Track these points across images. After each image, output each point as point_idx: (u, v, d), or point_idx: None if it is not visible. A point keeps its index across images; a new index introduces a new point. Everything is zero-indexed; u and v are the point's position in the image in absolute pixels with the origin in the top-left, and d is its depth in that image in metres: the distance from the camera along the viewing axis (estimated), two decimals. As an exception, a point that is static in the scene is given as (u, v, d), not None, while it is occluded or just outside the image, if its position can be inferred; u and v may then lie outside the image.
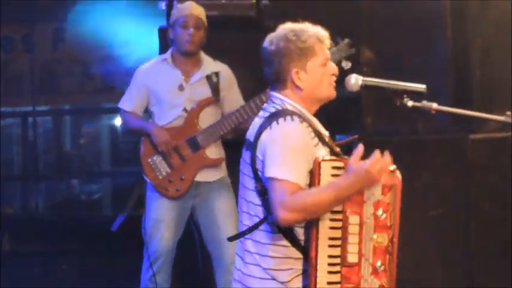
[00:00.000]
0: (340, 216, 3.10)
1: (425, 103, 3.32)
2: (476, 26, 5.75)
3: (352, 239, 3.10)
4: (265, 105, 3.34)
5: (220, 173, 5.32)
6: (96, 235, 7.16)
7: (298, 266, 3.18)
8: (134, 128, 5.38)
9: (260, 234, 3.20)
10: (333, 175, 3.09)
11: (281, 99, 3.26)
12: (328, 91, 3.28)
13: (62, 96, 9.14)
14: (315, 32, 3.26)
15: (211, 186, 5.29)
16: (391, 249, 3.15)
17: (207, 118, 5.24)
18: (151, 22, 6.74)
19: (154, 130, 5.21)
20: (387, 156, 3.07)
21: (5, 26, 8.44)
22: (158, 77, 5.28)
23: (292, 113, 3.17)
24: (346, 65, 4.78)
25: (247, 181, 3.25)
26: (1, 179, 8.52)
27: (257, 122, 3.28)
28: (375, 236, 3.13)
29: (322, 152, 3.17)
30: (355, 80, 3.32)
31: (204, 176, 5.26)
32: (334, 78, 3.30)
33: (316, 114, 3.30)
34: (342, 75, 3.34)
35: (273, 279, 3.18)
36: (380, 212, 3.12)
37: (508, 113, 3.31)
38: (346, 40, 4.98)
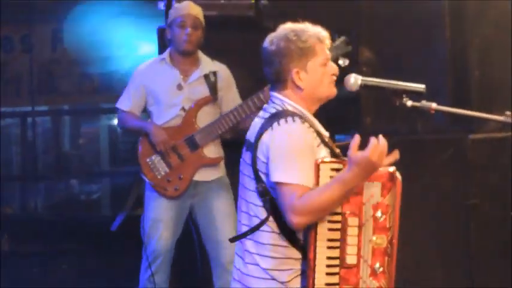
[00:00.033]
0: (339, 218, 3.10)
1: (424, 103, 3.32)
2: (475, 26, 5.76)
3: (351, 240, 3.10)
4: (265, 105, 3.34)
5: (219, 172, 5.32)
6: (95, 235, 7.15)
7: (298, 266, 3.18)
8: (132, 127, 5.38)
9: (260, 235, 3.20)
10: (332, 177, 3.08)
11: (281, 99, 3.26)
12: (328, 90, 3.28)
13: (61, 96, 9.14)
14: (315, 32, 3.26)
15: (210, 185, 5.29)
16: (390, 250, 3.15)
17: (205, 117, 5.24)
18: (150, 22, 6.74)
19: (152, 129, 5.21)
20: (382, 140, 3.05)
21: (5, 26, 8.44)
22: (156, 77, 5.28)
23: (293, 114, 3.17)
24: (344, 62, 4.78)
25: (248, 182, 3.25)
26: (0, 179, 8.53)
27: (257, 122, 3.28)
28: (373, 238, 3.12)
29: (323, 153, 3.17)
30: (354, 80, 3.32)
31: (203, 175, 5.26)
32: (335, 78, 3.30)
33: (316, 114, 3.30)
34: (340, 72, 3.34)
35: (273, 279, 3.18)
36: (379, 213, 3.12)
37: (507, 112, 3.30)
38: (343, 37, 4.99)
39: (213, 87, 5.28)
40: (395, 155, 3.09)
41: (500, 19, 5.69)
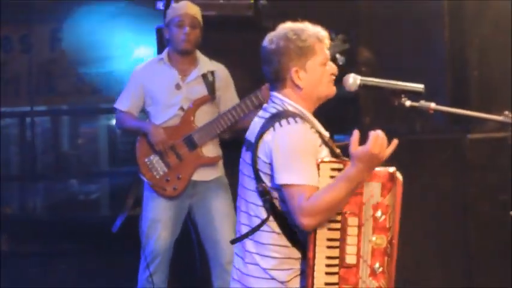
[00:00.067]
0: (338, 218, 3.10)
1: (423, 103, 3.32)
2: (473, 26, 5.76)
3: (351, 240, 3.10)
4: (264, 105, 3.34)
5: (217, 172, 5.32)
6: (94, 235, 7.15)
7: (298, 266, 3.19)
8: (130, 127, 5.38)
9: (260, 235, 3.20)
10: (332, 176, 3.09)
11: (281, 99, 3.26)
12: (327, 90, 3.29)
13: (60, 96, 9.12)
14: (315, 31, 3.26)
15: (209, 185, 5.29)
16: (389, 251, 3.15)
17: (204, 117, 5.25)
18: (148, 22, 6.73)
19: (151, 129, 5.21)
20: (381, 132, 3.06)
21: (4, 26, 8.43)
22: (155, 77, 5.29)
23: (294, 115, 3.17)
24: (340, 59, 4.78)
25: (248, 182, 3.25)
26: (0, 179, 8.52)
27: (257, 122, 3.28)
28: (373, 238, 3.12)
29: (324, 153, 3.17)
30: (353, 80, 3.32)
31: (201, 175, 5.26)
32: (334, 78, 3.30)
33: (315, 114, 3.30)
34: (339, 72, 3.34)
35: (273, 279, 3.19)
36: (379, 213, 3.12)
37: (506, 112, 3.31)
38: (340, 35, 4.99)
39: (211, 87, 5.28)
40: (395, 143, 3.09)
41: (499, 19, 5.69)
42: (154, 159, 5.24)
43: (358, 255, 3.11)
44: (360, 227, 3.11)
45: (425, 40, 5.76)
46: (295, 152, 3.10)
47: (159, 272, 5.26)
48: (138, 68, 5.42)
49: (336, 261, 3.10)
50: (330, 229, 3.09)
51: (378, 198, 3.12)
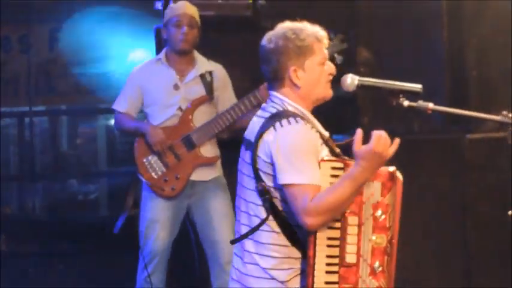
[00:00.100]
0: (339, 217, 3.10)
1: (421, 103, 3.32)
2: (472, 26, 5.76)
3: (351, 239, 3.10)
4: (263, 104, 3.34)
5: (215, 172, 5.32)
6: (93, 235, 7.16)
7: (298, 265, 3.19)
8: (129, 128, 5.38)
9: (260, 234, 3.20)
10: (332, 175, 3.09)
11: (281, 98, 3.26)
12: (324, 91, 3.29)
13: (59, 96, 9.13)
14: (313, 31, 3.27)
15: (207, 185, 5.29)
16: (389, 250, 3.15)
17: (202, 117, 5.25)
18: (147, 22, 6.74)
19: (149, 130, 5.21)
20: (383, 132, 3.07)
21: (3, 26, 8.43)
22: (153, 77, 5.29)
23: (294, 115, 3.18)
24: (338, 59, 4.79)
25: (247, 181, 3.25)
26: (0, 179, 8.54)
27: (256, 121, 3.28)
28: (373, 237, 3.12)
29: (325, 153, 3.17)
30: (351, 80, 3.32)
31: (200, 175, 5.26)
32: (332, 77, 3.30)
33: (313, 114, 3.30)
34: (337, 72, 3.34)
35: (273, 278, 3.19)
36: (379, 213, 3.12)
37: (505, 112, 3.30)
38: (339, 35, 4.99)
39: (209, 87, 5.28)
40: (397, 142, 3.10)
41: (498, 19, 5.69)
42: (153, 159, 5.24)
43: (358, 254, 3.11)
44: (360, 226, 3.11)
45: (424, 40, 5.76)
46: (297, 152, 3.10)
47: (158, 272, 5.26)
48: (136, 69, 5.42)
49: (336, 260, 3.10)
50: (330, 228, 3.09)
51: (378, 197, 3.12)
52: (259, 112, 3.32)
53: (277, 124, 3.15)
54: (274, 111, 3.23)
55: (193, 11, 5.27)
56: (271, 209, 3.16)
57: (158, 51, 5.59)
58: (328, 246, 3.09)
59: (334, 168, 3.11)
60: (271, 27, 3.33)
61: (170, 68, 5.28)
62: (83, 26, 8.37)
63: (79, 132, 10.24)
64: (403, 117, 5.53)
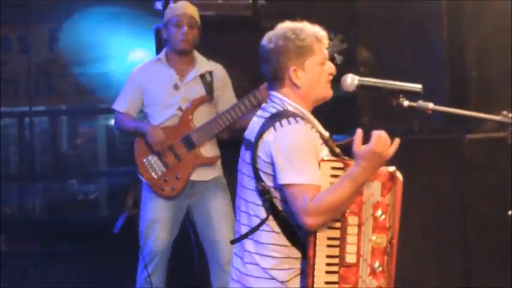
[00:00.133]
0: (338, 217, 3.10)
1: (421, 103, 3.32)
2: (472, 26, 5.76)
3: (351, 239, 3.10)
4: (263, 104, 3.34)
5: (215, 172, 5.32)
6: (93, 235, 7.16)
7: (298, 265, 3.19)
8: (129, 128, 5.37)
9: (260, 234, 3.20)
10: (332, 175, 3.09)
11: (281, 98, 3.26)
12: (324, 92, 3.29)
13: (59, 96, 9.13)
14: (313, 31, 3.27)
15: (207, 185, 5.29)
16: (389, 250, 3.15)
17: (202, 117, 5.25)
18: (147, 22, 6.74)
19: (149, 130, 5.21)
20: (383, 132, 3.07)
21: (3, 27, 8.43)
22: (152, 77, 5.29)
23: (294, 115, 3.18)
24: (338, 59, 4.79)
25: (247, 181, 3.25)
26: (0, 179, 8.54)
27: (256, 121, 3.28)
28: (373, 237, 3.12)
29: (325, 153, 3.17)
30: (351, 80, 3.32)
31: (200, 175, 5.26)
32: (331, 77, 3.30)
33: (313, 114, 3.30)
34: (337, 72, 3.34)
35: (273, 278, 3.18)
36: (379, 213, 3.12)
37: (505, 112, 3.30)
38: (339, 35, 4.99)
39: (209, 87, 5.28)
40: (397, 143, 3.10)
41: (498, 19, 5.69)
42: (153, 159, 5.24)
43: (358, 254, 3.11)
44: (360, 226, 3.11)
45: (424, 40, 5.75)
46: (297, 152, 3.10)
47: (158, 272, 5.26)
48: (135, 69, 5.42)
49: (336, 260, 3.10)
50: (330, 228, 3.09)
51: (378, 197, 3.12)
52: (259, 112, 3.32)
53: (277, 124, 3.15)
54: (274, 111, 3.23)
55: (193, 11, 5.27)
56: (271, 209, 3.16)
57: (158, 51, 5.59)
58: (328, 246, 3.09)
59: (334, 168, 3.11)
60: (271, 27, 3.33)
61: (170, 68, 5.28)
62: (83, 26, 8.38)
63: (79, 132, 10.25)
64: (403, 117, 5.53)
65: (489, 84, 5.73)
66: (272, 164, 3.14)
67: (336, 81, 3.33)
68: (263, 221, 3.17)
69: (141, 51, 8.17)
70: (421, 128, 5.76)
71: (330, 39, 4.71)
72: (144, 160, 5.24)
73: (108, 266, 6.96)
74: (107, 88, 8.32)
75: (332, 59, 4.54)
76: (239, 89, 5.38)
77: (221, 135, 5.33)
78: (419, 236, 5.46)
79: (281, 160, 3.11)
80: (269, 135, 3.15)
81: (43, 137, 9.73)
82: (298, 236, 3.17)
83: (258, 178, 3.18)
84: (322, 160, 3.11)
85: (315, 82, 3.25)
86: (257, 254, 3.21)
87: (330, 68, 3.30)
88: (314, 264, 3.08)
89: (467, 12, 5.76)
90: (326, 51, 3.29)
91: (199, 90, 5.27)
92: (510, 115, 3.29)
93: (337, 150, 3.26)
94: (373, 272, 3.13)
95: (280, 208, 3.17)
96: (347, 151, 3.18)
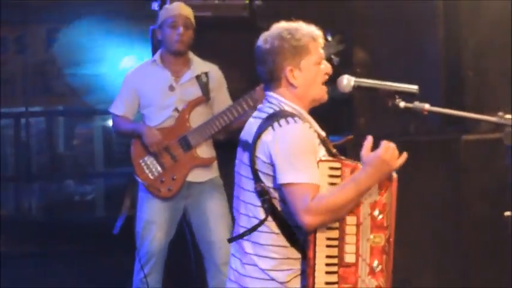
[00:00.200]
0: (337, 220, 3.10)
1: (417, 104, 3.32)
2: (468, 27, 5.77)
3: (349, 239, 3.11)
4: (259, 105, 3.34)
5: (212, 173, 5.32)
6: (90, 236, 7.15)
7: (297, 266, 3.19)
8: (126, 130, 5.38)
9: (259, 235, 3.20)
10: (330, 175, 3.10)
11: (277, 99, 3.26)
12: (320, 93, 3.29)
13: (55, 97, 9.12)
14: (309, 31, 3.27)
15: (203, 187, 5.29)
16: (387, 249, 3.16)
17: (198, 118, 5.25)
18: (144, 23, 6.73)
19: (145, 131, 5.21)
20: (392, 143, 3.08)
21: (2, 27, 8.42)
22: (148, 79, 5.29)
23: (292, 115, 3.18)
24: (335, 60, 4.80)
25: (245, 182, 3.25)
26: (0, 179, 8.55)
27: (253, 122, 3.28)
28: (371, 236, 3.13)
29: (322, 152, 3.18)
30: (347, 81, 3.32)
31: (196, 176, 5.26)
32: (327, 77, 3.30)
33: (310, 114, 3.30)
34: (333, 73, 3.34)
35: (272, 279, 3.19)
36: (377, 212, 3.13)
37: (500, 113, 3.31)
38: (336, 36, 4.99)
39: (205, 88, 5.28)
40: (405, 156, 3.12)
41: (494, 20, 5.69)
42: (149, 160, 5.24)
43: (357, 254, 3.12)
44: (358, 225, 3.12)
45: (420, 41, 5.76)
46: (297, 152, 3.10)
47: (154, 273, 5.26)
48: (130, 71, 5.43)
49: (336, 261, 3.11)
50: (329, 228, 3.10)
51: (375, 196, 3.13)
52: (256, 113, 3.32)
53: (276, 124, 3.15)
54: (271, 111, 3.23)
55: (188, 11, 5.27)
56: (270, 209, 3.17)
57: (154, 52, 5.58)
58: (328, 246, 3.10)
59: (332, 168, 3.12)
60: (268, 28, 3.33)
61: (165, 69, 5.28)
62: (80, 26, 8.37)
63: (76, 133, 10.23)
64: (399, 118, 5.53)
65: (485, 85, 5.74)
66: (271, 164, 3.14)
67: (332, 82, 3.33)
68: (262, 222, 3.17)
69: (137, 53, 8.16)
70: (417, 129, 5.76)
71: (327, 40, 4.72)
72: (141, 161, 5.24)
73: (104, 267, 6.95)
74: (104, 89, 8.30)
75: (329, 60, 4.55)
76: (236, 90, 5.38)
77: (217, 136, 5.33)
78: (415, 236, 5.46)
79: (280, 160, 3.11)
80: (268, 136, 3.15)
81: (40, 138, 9.71)
82: (298, 236, 3.17)
83: (256, 179, 3.19)
84: (320, 160, 3.12)
85: (311, 82, 3.26)
86: (256, 255, 3.21)
87: (326, 67, 3.30)
88: (314, 265, 3.08)
89: (464, 13, 5.76)
90: (322, 51, 3.29)
91: (195, 91, 5.27)
92: (506, 116, 3.29)
93: (334, 150, 3.26)
94: (372, 272, 3.14)
95: (279, 209, 3.17)
96: (343, 151, 3.18)
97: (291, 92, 3.25)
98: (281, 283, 3.19)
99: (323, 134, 3.28)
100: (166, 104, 5.24)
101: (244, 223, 3.26)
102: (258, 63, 3.30)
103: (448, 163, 5.69)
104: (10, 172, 9.46)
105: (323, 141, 3.22)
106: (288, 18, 3.34)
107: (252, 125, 3.28)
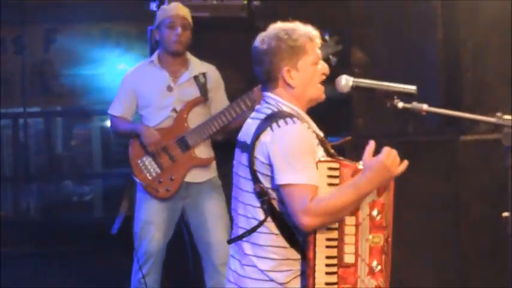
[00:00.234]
0: (335, 223, 3.10)
1: (415, 104, 3.32)
2: (467, 27, 5.77)
3: (348, 239, 3.12)
4: (257, 106, 3.34)
5: (210, 173, 5.32)
6: (88, 236, 7.14)
7: (297, 266, 3.19)
8: (124, 131, 5.37)
9: (258, 236, 3.20)
10: (329, 176, 3.10)
11: (275, 99, 3.26)
12: (318, 92, 3.29)
13: (53, 97, 9.11)
14: (306, 31, 3.27)
15: (202, 187, 5.28)
16: (386, 249, 3.16)
17: (196, 118, 5.25)
18: (142, 23, 6.73)
19: (144, 130, 5.21)
20: (394, 151, 3.08)
21: (1, 27, 8.41)
22: (145, 80, 5.28)
23: (290, 115, 3.18)
24: (333, 61, 4.80)
25: (244, 183, 3.24)
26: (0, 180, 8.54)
27: (251, 123, 3.28)
28: (370, 237, 3.14)
29: (321, 153, 3.18)
30: (345, 82, 3.32)
31: (194, 176, 5.26)
32: (325, 77, 3.30)
33: (308, 114, 3.30)
34: (332, 73, 3.34)
35: (272, 280, 3.19)
36: (375, 212, 3.13)
37: (499, 114, 3.31)
38: (334, 37, 5.00)
39: (203, 88, 5.29)
40: (406, 163, 3.12)
41: (493, 20, 5.70)
42: (147, 160, 5.23)
43: (356, 254, 3.12)
44: (357, 226, 3.12)
45: (418, 41, 5.76)
46: (296, 152, 3.10)
47: (152, 274, 5.26)
48: (128, 72, 5.43)
49: (335, 261, 3.11)
50: (328, 229, 3.10)
51: (374, 196, 3.14)
52: (254, 114, 3.32)
53: (274, 125, 3.15)
54: (269, 112, 3.23)
55: (185, 12, 5.27)
56: (269, 210, 3.16)
57: (152, 52, 5.58)
58: (327, 247, 3.11)
59: (330, 168, 3.12)
60: (266, 28, 3.33)
61: (163, 70, 5.27)
62: (78, 27, 8.36)
63: (74, 134, 10.22)
64: (398, 118, 5.53)
65: (483, 86, 5.74)
66: (270, 164, 3.14)
67: (330, 83, 3.33)
68: (261, 223, 3.17)
69: (135, 53, 8.16)
70: (416, 129, 5.76)
71: (325, 40, 4.72)
72: (139, 161, 5.24)
73: (103, 267, 6.94)
74: (102, 89, 8.30)
75: (327, 60, 4.55)
76: (235, 90, 5.38)
77: (216, 136, 5.33)
78: (413, 236, 5.46)
79: (279, 160, 3.11)
80: (266, 136, 3.15)
81: (38, 138, 9.70)
82: (297, 237, 3.17)
83: (255, 180, 3.18)
84: (319, 161, 3.12)
85: (309, 82, 3.26)
86: (255, 256, 3.21)
87: (323, 67, 3.30)
88: (314, 265, 3.09)
89: (462, 13, 5.76)
90: (319, 51, 3.29)
91: (193, 92, 5.27)
92: (504, 117, 3.29)
93: (332, 150, 3.26)
94: (371, 272, 3.14)
95: (278, 209, 3.17)
96: (341, 152, 3.18)
97: (289, 92, 3.25)
98: (280, 284, 3.19)
99: (321, 134, 3.28)
100: (165, 104, 5.24)
101: (243, 224, 3.26)
102: (255, 64, 3.30)
103: (446, 163, 5.69)
104: (8, 173, 9.46)
105: (321, 142, 3.22)
106: (286, 18, 3.34)
107: (250, 125, 3.27)
